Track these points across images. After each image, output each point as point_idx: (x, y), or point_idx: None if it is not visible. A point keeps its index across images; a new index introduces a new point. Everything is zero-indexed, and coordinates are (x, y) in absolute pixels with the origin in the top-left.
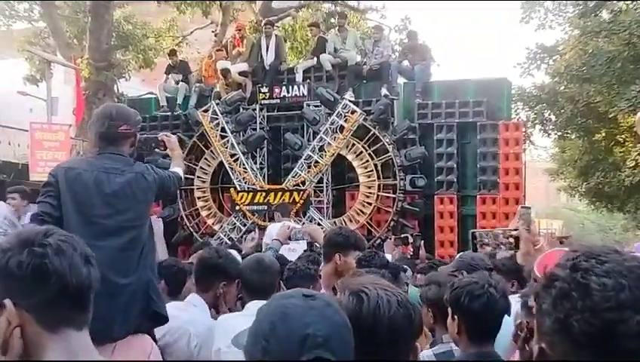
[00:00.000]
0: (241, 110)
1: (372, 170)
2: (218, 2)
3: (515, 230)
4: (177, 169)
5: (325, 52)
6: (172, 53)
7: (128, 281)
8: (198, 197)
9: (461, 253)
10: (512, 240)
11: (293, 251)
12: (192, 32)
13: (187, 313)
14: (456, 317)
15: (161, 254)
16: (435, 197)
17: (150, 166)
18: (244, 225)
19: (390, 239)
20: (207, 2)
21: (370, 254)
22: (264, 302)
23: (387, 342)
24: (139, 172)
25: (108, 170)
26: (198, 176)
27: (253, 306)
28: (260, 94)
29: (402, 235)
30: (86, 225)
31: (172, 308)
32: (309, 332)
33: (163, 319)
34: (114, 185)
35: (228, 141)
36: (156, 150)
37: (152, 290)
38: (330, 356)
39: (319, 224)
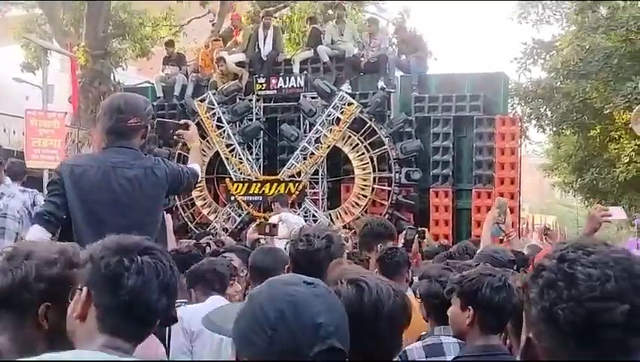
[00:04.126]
0: (237, 100)
1: (368, 163)
2: None
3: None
4: (194, 165)
5: (320, 44)
6: (169, 44)
7: None
8: None
9: (484, 248)
10: None
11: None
12: (189, 22)
13: None
14: (470, 308)
15: (170, 247)
16: (431, 190)
17: (161, 159)
18: (239, 215)
19: (404, 231)
20: None
21: (392, 250)
22: None
23: (385, 331)
24: (148, 166)
25: (115, 164)
26: None
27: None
28: (257, 85)
29: (419, 228)
30: (93, 223)
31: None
32: (320, 322)
33: (172, 320)
34: (122, 181)
35: (224, 131)
36: (175, 137)
37: None
38: (341, 345)
39: (314, 215)
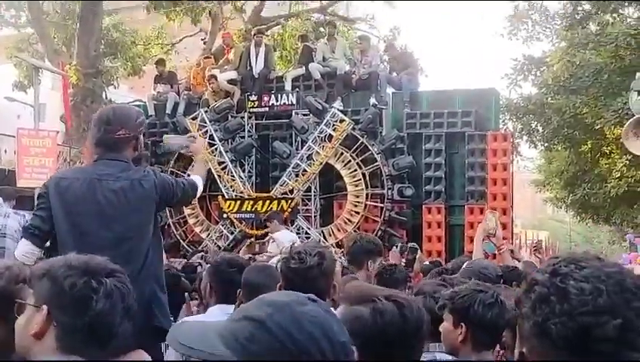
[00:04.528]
0: (229, 118)
1: (360, 179)
2: (207, 10)
3: None
4: (196, 176)
5: (311, 61)
6: (160, 63)
7: None
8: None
9: (468, 262)
10: None
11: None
12: (180, 40)
13: None
14: (462, 325)
15: None
16: (423, 206)
17: (150, 171)
18: (232, 233)
19: (396, 248)
20: (197, 11)
21: (391, 267)
22: None
23: (418, 344)
24: (135, 178)
25: (101, 176)
26: None
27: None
28: (249, 102)
29: (410, 244)
30: (78, 236)
31: None
32: (344, 340)
33: (165, 335)
34: (107, 193)
35: (216, 149)
36: (181, 151)
37: (156, 304)
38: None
39: (307, 233)
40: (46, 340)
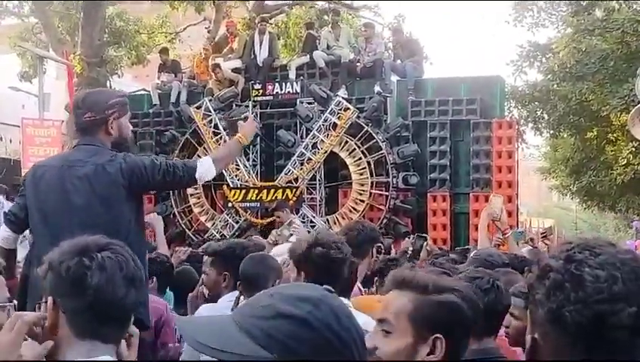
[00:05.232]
0: (234, 107)
1: (365, 168)
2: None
3: None
4: (206, 158)
5: (315, 49)
6: (163, 52)
7: None
8: (191, 194)
9: (476, 251)
10: None
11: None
12: (184, 29)
13: None
14: None
15: (161, 250)
16: (428, 194)
17: (120, 155)
18: (237, 222)
19: (409, 238)
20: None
21: (393, 262)
22: None
23: None
24: (99, 163)
25: (72, 163)
26: None
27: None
28: (253, 91)
29: (423, 234)
30: (48, 224)
31: None
32: (363, 332)
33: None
34: (74, 180)
35: (221, 138)
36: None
37: None
38: None
39: (312, 221)
40: (62, 332)
